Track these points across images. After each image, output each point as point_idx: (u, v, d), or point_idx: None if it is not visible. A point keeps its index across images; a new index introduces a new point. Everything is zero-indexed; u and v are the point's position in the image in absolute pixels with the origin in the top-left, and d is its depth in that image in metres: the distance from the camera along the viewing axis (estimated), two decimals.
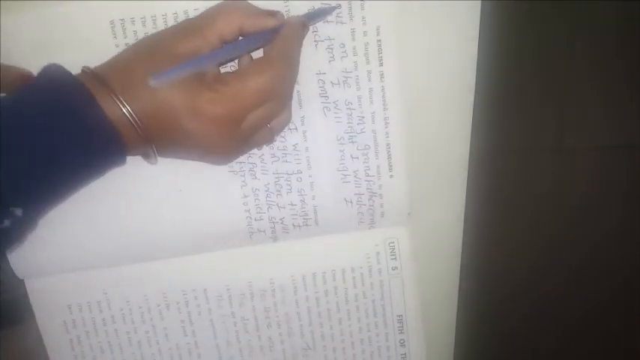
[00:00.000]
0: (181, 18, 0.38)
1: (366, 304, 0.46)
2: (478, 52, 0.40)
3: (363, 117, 0.41)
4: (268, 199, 0.42)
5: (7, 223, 0.29)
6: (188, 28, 0.35)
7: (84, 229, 0.41)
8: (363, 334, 0.47)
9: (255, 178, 0.42)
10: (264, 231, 0.43)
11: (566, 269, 1.09)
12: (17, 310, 0.45)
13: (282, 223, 0.43)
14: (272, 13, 0.36)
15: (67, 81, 0.32)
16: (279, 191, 0.42)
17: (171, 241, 0.42)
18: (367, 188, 0.43)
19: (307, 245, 0.44)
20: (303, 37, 0.37)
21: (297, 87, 0.40)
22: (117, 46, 0.38)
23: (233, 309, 0.45)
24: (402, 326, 0.47)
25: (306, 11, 0.38)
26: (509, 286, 1.08)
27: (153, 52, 0.33)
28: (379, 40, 0.39)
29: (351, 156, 0.42)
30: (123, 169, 0.35)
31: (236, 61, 0.38)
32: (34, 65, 0.35)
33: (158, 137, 0.34)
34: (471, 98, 0.42)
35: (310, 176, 0.42)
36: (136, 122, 0.32)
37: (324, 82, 0.40)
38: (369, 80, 0.40)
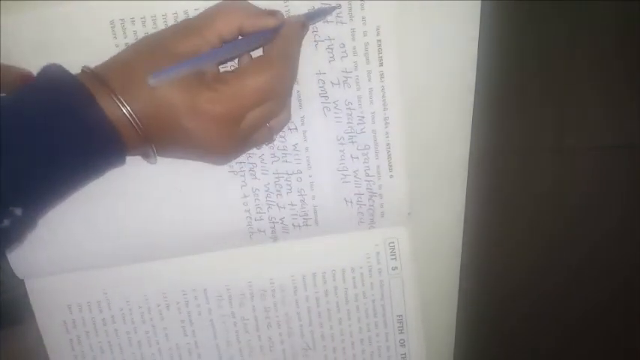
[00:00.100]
0: (181, 18, 0.38)
1: (366, 304, 0.46)
2: (478, 52, 0.40)
3: (363, 117, 0.41)
4: (268, 199, 0.42)
5: (6, 222, 0.29)
6: (188, 27, 0.35)
7: (84, 229, 0.41)
8: (363, 334, 0.47)
9: (255, 178, 0.42)
10: (264, 231, 0.43)
11: (566, 269, 1.09)
12: (17, 310, 0.45)
13: (282, 223, 0.43)
14: (272, 13, 0.36)
15: (67, 81, 0.32)
16: (279, 191, 0.42)
17: (171, 241, 0.42)
18: (367, 188, 0.43)
19: (307, 245, 0.44)
20: (302, 37, 0.37)
21: (297, 87, 0.40)
22: (117, 46, 0.38)
23: (233, 309, 0.45)
24: (402, 326, 0.47)
25: (306, 11, 0.38)
26: (509, 286, 1.08)
27: (153, 52, 0.33)
28: (379, 40, 0.39)
29: (351, 156, 0.42)
30: (122, 169, 0.35)
31: (236, 60, 0.38)
32: (34, 65, 0.35)
33: (158, 137, 0.34)
34: (471, 98, 0.42)
35: (310, 176, 0.42)
36: (135, 122, 0.32)
37: (324, 82, 0.40)
38: (369, 80, 0.40)
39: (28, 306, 0.43)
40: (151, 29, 0.38)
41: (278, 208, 0.42)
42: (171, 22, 0.38)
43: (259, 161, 0.41)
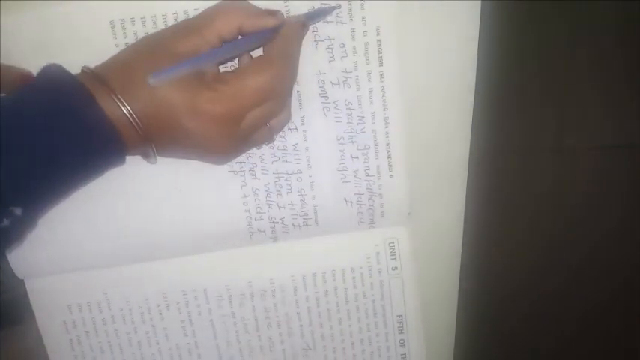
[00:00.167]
0: (181, 18, 0.38)
1: (366, 304, 0.46)
2: (478, 52, 0.40)
3: (363, 117, 0.41)
4: (268, 199, 0.42)
5: (6, 222, 0.29)
6: (188, 27, 0.35)
7: (84, 229, 0.41)
8: (363, 334, 0.47)
9: (255, 178, 0.42)
10: (264, 231, 0.43)
11: (566, 269, 1.09)
12: (17, 310, 0.45)
13: (282, 223, 0.43)
14: (272, 13, 0.36)
15: (67, 81, 0.32)
16: (279, 191, 0.42)
17: (171, 241, 0.42)
18: (367, 188, 0.43)
19: (307, 245, 0.44)
20: (302, 37, 0.37)
21: (297, 87, 0.40)
22: (117, 46, 0.38)
23: (233, 309, 0.45)
24: (402, 326, 0.47)
25: (306, 11, 0.38)
26: (509, 286, 1.08)
27: (152, 52, 0.33)
28: (379, 40, 0.39)
29: (351, 156, 0.42)
30: (122, 169, 0.35)
31: (236, 60, 0.38)
32: (34, 65, 0.35)
33: (158, 137, 0.34)
34: (471, 98, 0.42)
35: (310, 176, 0.42)
36: (135, 122, 0.32)
37: (324, 82, 0.40)
38: (369, 80, 0.40)
39: (28, 306, 0.43)
40: (150, 29, 0.38)
41: (278, 208, 0.42)
42: (171, 22, 0.38)
43: (259, 161, 0.41)
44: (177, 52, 0.33)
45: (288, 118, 0.38)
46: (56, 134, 0.31)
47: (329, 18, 0.39)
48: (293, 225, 0.43)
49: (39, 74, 0.33)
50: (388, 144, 0.42)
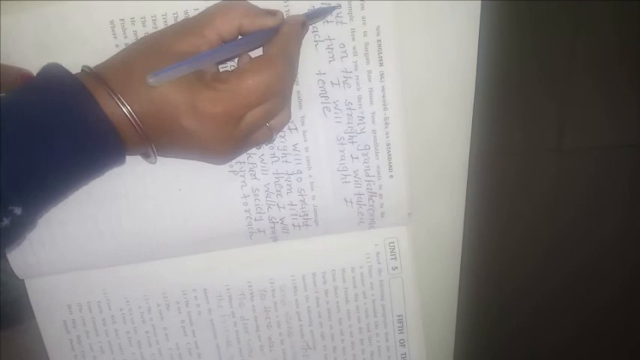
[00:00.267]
0: (181, 18, 0.38)
1: (366, 304, 0.46)
2: (478, 52, 0.40)
3: (363, 117, 0.41)
4: (268, 199, 0.42)
5: (6, 221, 0.29)
6: (187, 27, 0.35)
7: (84, 229, 0.41)
8: (363, 334, 0.47)
9: (255, 178, 0.42)
10: (264, 231, 0.43)
11: (566, 269, 1.09)
12: (17, 310, 0.44)
13: (282, 223, 0.43)
14: (272, 12, 0.36)
15: (67, 80, 0.32)
16: (279, 191, 0.42)
17: (171, 241, 0.42)
18: (367, 188, 0.43)
19: (307, 245, 0.44)
20: (302, 36, 0.37)
21: (297, 87, 0.40)
22: (117, 46, 0.38)
23: (233, 309, 0.45)
24: (402, 326, 0.47)
25: (306, 11, 0.38)
26: (510, 286, 1.09)
27: (152, 51, 0.33)
28: (379, 40, 0.39)
29: (351, 156, 0.42)
30: (122, 169, 0.35)
31: (235, 60, 0.38)
32: (34, 65, 0.35)
33: (157, 136, 0.34)
34: (471, 98, 0.42)
35: (310, 176, 0.42)
36: (135, 121, 0.32)
37: (324, 82, 0.40)
38: (369, 80, 0.40)
39: (28, 306, 0.43)
40: (150, 29, 0.38)
41: (278, 208, 0.42)
42: (171, 22, 0.38)
43: (259, 161, 0.41)
44: (177, 52, 0.33)
45: (288, 118, 0.38)
46: (56, 133, 0.31)
47: (329, 18, 0.39)
48: (293, 225, 0.43)
49: (39, 73, 0.33)
50: (388, 144, 0.42)
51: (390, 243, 0.45)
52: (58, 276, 0.43)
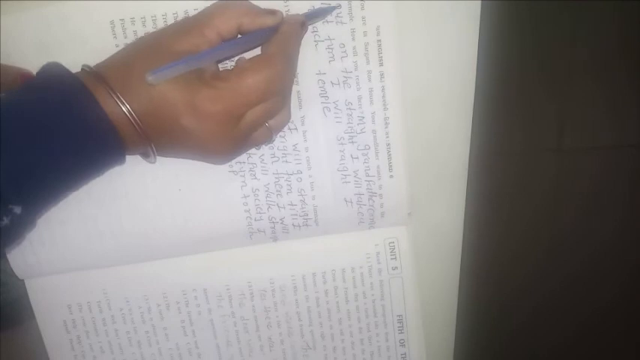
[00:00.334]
0: (181, 18, 0.38)
1: (366, 304, 0.46)
2: (478, 52, 0.40)
3: (363, 117, 0.41)
4: (268, 199, 0.42)
5: (6, 220, 0.29)
6: (187, 26, 0.35)
7: (84, 229, 0.41)
8: (363, 334, 0.47)
9: (255, 178, 0.42)
10: (264, 231, 0.43)
11: (566, 269, 1.09)
12: (17, 310, 0.44)
13: (282, 223, 0.43)
14: (271, 12, 0.36)
15: (67, 79, 0.32)
16: (279, 191, 0.42)
17: (172, 241, 0.42)
18: (367, 188, 0.43)
19: (307, 245, 0.44)
20: (301, 36, 0.37)
21: (297, 87, 0.40)
22: (117, 45, 0.38)
23: (233, 309, 0.45)
24: (402, 326, 0.47)
25: (306, 11, 0.38)
26: (510, 285, 1.09)
27: (152, 50, 0.33)
28: (379, 40, 0.39)
29: (351, 156, 0.42)
30: (122, 169, 0.35)
31: (235, 59, 0.38)
32: (34, 65, 0.35)
33: (157, 135, 0.34)
34: (471, 98, 0.42)
35: (310, 176, 0.42)
36: (134, 120, 0.32)
37: (324, 82, 0.40)
38: (369, 80, 0.40)
39: (28, 306, 0.43)
40: (150, 29, 0.38)
41: (278, 208, 0.42)
42: (171, 22, 0.38)
43: (259, 161, 0.41)
44: (177, 51, 0.33)
45: (288, 118, 0.38)
46: (56, 132, 0.31)
47: (329, 18, 0.39)
48: (293, 225, 0.43)
49: (39, 72, 0.33)
50: (388, 144, 0.42)
51: (390, 243, 0.45)
52: (58, 276, 0.43)
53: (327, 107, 0.41)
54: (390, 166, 0.42)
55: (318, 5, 0.38)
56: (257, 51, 0.37)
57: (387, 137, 0.41)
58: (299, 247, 0.44)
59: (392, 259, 0.45)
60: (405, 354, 0.48)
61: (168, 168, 0.40)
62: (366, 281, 0.45)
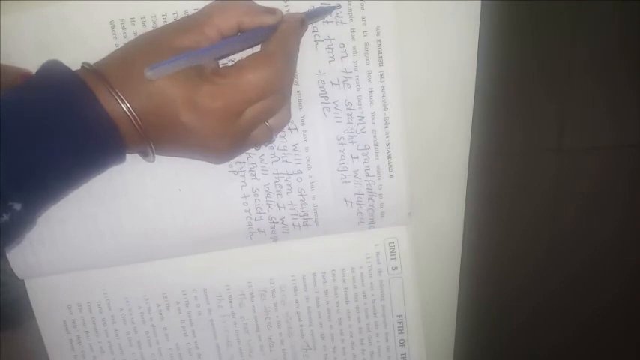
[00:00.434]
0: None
1: (366, 304, 0.46)
2: (478, 52, 0.40)
3: (363, 117, 0.41)
4: (268, 199, 0.42)
5: (5, 217, 0.29)
6: (187, 24, 0.35)
7: (84, 229, 0.41)
8: (363, 334, 0.47)
9: (255, 178, 0.42)
10: (264, 231, 0.43)
11: (566, 269, 1.09)
12: (17, 310, 0.44)
13: (282, 223, 0.43)
14: (271, 11, 0.36)
15: (67, 77, 0.32)
16: (279, 191, 0.42)
17: (172, 241, 0.42)
18: (367, 188, 0.43)
19: (307, 245, 0.44)
20: (301, 34, 0.37)
21: (297, 87, 0.40)
22: (117, 45, 0.38)
23: (233, 309, 0.45)
24: (402, 326, 0.47)
25: (306, 10, 0.38)
26: (510, 285, 1.09)
27: (152, 47, 0.33)
28: (379, 40, 0.39)
29: (351, 156, 0.42)
30: (122, 169, 0.35)
31: (234, 57, 0.38)
32: (34, 65, 0.34)
33: (157, 133, 0.34)
34: (471, 98, 0.42)
35: (310, 176, 0.42)
36: (134, 118, 0.32)
37: (324, 82, 0.40)
38: (369, 80, 0.40)
39: (28, 306, 0.43)
40: (150, 29, 0.38)
41: (278, 208, 0.42)
42: (170, 21, 0.38)
43: (259, 161, 0.41)
44: (177, 47, 0.33)
45: (288, 118, 0.38)
46: (56, 130, 0.31)
47: (329, 18, 0.39)
48: (293, 225, 0.43)
49: (39, 70, 0.33)
50: (388, 144, 0.42)
51: (390, 243, 0.45)
52: (58, 276, 0.43)
53: (327, 107, 0.41)
54: (390, 166, 0.42)
55: (318, 5, 0.38)
56: (257, 49, 0.37)
57: (387, 137, 0.41)
58: (299, 247, 0.44)
59: (392, 259, 0.45)
60: (405, 354, 0.48)
61: (168, 168, 0.40)
62: (366, 281, 0.45)
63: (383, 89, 0.40)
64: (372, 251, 0.45)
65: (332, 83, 0.40)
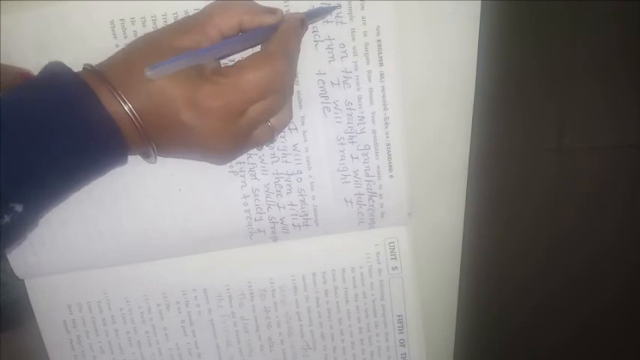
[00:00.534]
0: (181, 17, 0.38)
1: (366, 304, 0.46)
2: (478, 52, 0.40)
3: (363, 117, 0.41)
4: (268, 199, 0.42)
5: (7, 218, 0.29)
6: (188, 24, 0.35)
7: (84, 229, 0.41)
8: (363, 334, 0.47)
9: (255, 178, 0.42)
10: (264, 231, 0.43)
11: (566, 269, 1.09)
12: (17, 310, 0.44)
13: (282, 223, 0.43)
14: (272, 11, 0.36)
15: (69, 78, 0.32)
16: (279, 191, 0.42)
17: (172, 241, 0.42)
18: (367, 188, 0.43)
19: (307, 245, 0.44)
20: (302, 34, 0.37)
21: (297, 87, 0.40)
22: (117, 45, 0.38)
23: (233, 309, 0.45)
24: (402, 326, 0.47)
25: (306, 10, 0.38)
26: (510, 286, 1.09)
27: (152, 47, 0.33)
28: (379, 40, 0.39)
29: (351, 156, 0.42)
30: (123, 169, 0.35)
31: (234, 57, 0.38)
32: (34, 65, 0.35)
33: (158, 134, 0.34)
34: (471, 98, 0.42)
35: (310, 176, 0.42)
36: (136, 119, 0.32)
37: (324, 82, 0.40)
38: (369, 80, 0.40)
39: (28, 306, 0.43)
40: (150, 29, 0.38)
41: (278, 208, 0.42)
42: (171, 22, 0.38)
43: (259, 161, 0.41)
44: (178, 47, 0.33)
45: (289, 118, 0.38)
46: (57, 131, 0.31)
47: (329, 18, 0.39)
48: (293, 225, 0.43)
49: (41, 72, 0.33)
50: (388, 144, 0.42)
51: (390, 243, 0.45)
52: (58, 276, 0.43)
53: (327, 107, 0.41)
54: (390, 166, 0.42)
55: (318, 5, 0.38)
56: (257, 49, 0.37)
57: (387, 137, 0.41)
58: (299, 247, 0.44)
59: (392, 259, 0.45)
60: (405, 354, 0.48)
61: (169, 168, 0.40)
62: (366, 281, 0.45)
63: (383, 89, 0.40)
64: (372, 251, 0.45)
65: (332, 83, 0.40)
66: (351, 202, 0.43)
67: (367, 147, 0.42)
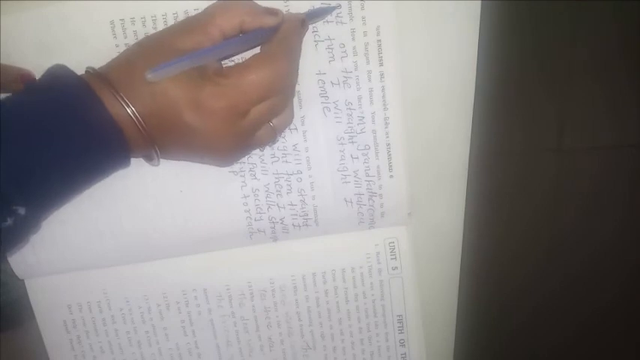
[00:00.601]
0: (181, 18, 0.38)
1: (366, 304, 0.46)
2: (478, 52, 0.40)
3: (363, 117, 0.41)
4: (268, 199, 0.42)
5: (9, 221, 0.29)
6: (190, 24, 0.35)
7: (84, 229, 0.41)
8: (363, 333, 0.47)
9: (255, 178, 0.42)
10: (264, 231, 0.43)
11: (566, 269, 1.09)
12: (17, 310, 0.44)
13: (282, 223, 0.43)
14: (273, 12, 0.36)
15: (72, 81, 0.32)
16: (279, 191, 0.42)
17: (172, 241, 0.42)
18: (367, 188, 0.43)
19: (307, 245, 0.44)
20: (302, 34, 0.37)
21: (297, 87, 0.40)
22: (117, 46, 0.38)
23: (233, 309, 0.45)
24: (402, 326, 0.47)
25: (306, 10, 0.38)
26: (510, 286, 1.09)
27: (154, 49, 0.33)
28: (379, 40, 0.39)
29: (351, 156, 0.42)
30: (124, 171, 0.35)
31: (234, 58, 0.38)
32: (34, 65, 0.35)
33: (161, 136, 0.34)
34: (471, 98, 0.42)
35: (310, 176, 0.42)
36: (139, 121, 0.32)
37: (324, 82, 0.40)
38: (369, 80, 0.40)
39: (28, 306, 0.43)
40: (150, 29, 0.38)
41: (278, 208, 0.42)
42: (171, 22, 0.38)
43: (259, 161, 0.41)
44: (179, 49, 0.33)
45: (291, 118, 0.38)
46: (61, 134, 0.31)
47: (329, 18, 0.39)
48: (293, 225, 0.43)
49: (44, 74, 0.33)
50: (388, 144, 0.42)
51: (390, 243, 0.45)
52: (58, 276, 0.43)
53: (327, 107, 0.41)
54: (390, 166, 0.42)
55: (318, 5, 0.38)
56: (258, 50, 0.37)
57: (387, 137, 0.42)
58: (299, 247, 0.44)
59: (392, 259, 0.45)
60: (405, 354, 0.48)
61: (169, 168, 0.40)
62: (366, 281, 0.45)
63: (383, 89, 0.40)
64: (372, 251, 0.45)
65: (332, 83, 0.40)
66: (351, 202, 0.43)
67: (367, 147, 0.42)
